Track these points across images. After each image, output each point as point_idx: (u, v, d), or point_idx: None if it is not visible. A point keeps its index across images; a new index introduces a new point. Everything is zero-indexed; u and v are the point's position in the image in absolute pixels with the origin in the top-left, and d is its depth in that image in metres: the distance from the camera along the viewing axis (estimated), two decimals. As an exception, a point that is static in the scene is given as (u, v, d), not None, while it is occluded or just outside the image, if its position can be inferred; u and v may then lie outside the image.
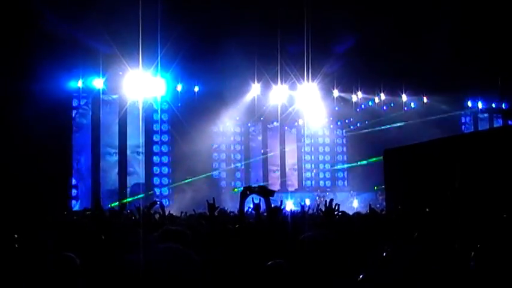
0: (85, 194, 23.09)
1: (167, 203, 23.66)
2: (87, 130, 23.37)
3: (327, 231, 4.15)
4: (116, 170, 23.72)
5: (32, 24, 17.95)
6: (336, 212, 6.98)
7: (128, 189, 23.47)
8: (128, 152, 23.99)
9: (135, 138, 24.24)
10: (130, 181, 23.99)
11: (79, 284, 3.12)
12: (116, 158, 23.90)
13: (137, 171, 24.51)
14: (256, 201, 5.32)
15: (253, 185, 5.06)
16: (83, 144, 23.40)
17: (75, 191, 22.99)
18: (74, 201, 22.60)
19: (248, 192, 4.93)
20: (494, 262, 2.84)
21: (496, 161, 11.97)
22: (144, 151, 24.54)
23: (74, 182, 22.90)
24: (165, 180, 24.96)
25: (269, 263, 3.52)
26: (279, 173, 28.85)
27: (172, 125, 24.66)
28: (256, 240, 4.67)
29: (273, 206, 5.02)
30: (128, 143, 23.85)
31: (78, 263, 3.15)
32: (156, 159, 24.94)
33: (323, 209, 6.54)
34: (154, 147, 24.90)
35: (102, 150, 23.47)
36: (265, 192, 4.86)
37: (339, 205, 8.01)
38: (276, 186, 28.13)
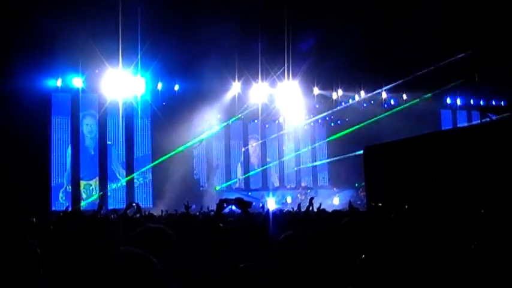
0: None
1: (150, 203, 23.60)
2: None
3: (306, 229, 4.17)
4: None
5: (9, 25, 17.77)
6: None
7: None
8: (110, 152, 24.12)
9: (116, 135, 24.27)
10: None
11: (37, 270, 3.08)
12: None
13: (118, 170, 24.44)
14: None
15: (229, 197, 5.03)
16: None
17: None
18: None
19: (225, 205, 4.91)
20: (476, 257, 2.90)
21: (475, 156, 12.12)
22: (124, 149, 24.47)
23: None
24: (147, 178, 24.87)
25: (241, 265, 3.53)
26: (260, 170, 28.89)
27: (153, 123, 24.58)
28: (238, 241, 4.68)
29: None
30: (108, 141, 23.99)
31: (37, 249, 3.12)
32: (136, 156, 24.82)
33: (304, 208, 6.58)
34: (134, 144, 24.77)
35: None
36: (242, 204, 4.84)
37: (320, 204, 8.09)
38: (256, 184, 28.23)
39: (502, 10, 17.32)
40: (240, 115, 26.78)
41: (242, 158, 28.56)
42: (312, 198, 7.83)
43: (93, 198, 22.97)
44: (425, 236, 4.53)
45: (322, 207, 8.65)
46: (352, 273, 3.19)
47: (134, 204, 7.43)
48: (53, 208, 21.75)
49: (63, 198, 22.77)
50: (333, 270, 3.68)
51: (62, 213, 9.09)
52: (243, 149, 28.48)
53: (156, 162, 24.12)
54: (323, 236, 4.69)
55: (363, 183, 21.18)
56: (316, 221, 6.54)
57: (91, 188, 23.59)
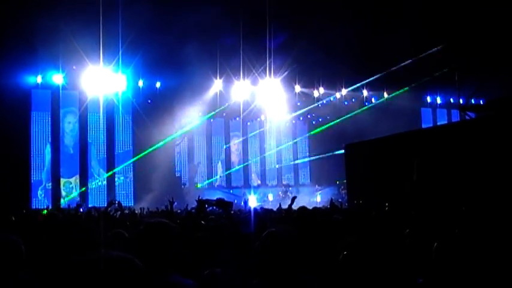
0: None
1: (131, 201, 23.45)
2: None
3: (289, 226, 4.18)
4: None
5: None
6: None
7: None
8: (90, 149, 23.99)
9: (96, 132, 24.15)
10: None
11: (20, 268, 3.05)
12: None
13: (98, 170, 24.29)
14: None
15: (210, 198, 5.01)
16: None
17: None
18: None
19: (206, 206, 4.89)
20: (452, 254, 2.92)
21: (453, 154, 12.27)
22: (105, 147, 24.31)
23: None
24: (128, 176, 24.71)
25: (206, 272, 3.52)
26: (241, 167, 28.91)
27: (134, 120, 24.43)
28: (219, 238, 4.68)
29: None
30: (89, 139, 23.86)
31: (22, 247, 3.09)
32: (118, 153, 24.66)
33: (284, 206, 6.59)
34: (115, 141, 24.61)
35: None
36: (223, 205, 4.82)
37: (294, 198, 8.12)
38: (239, 182, 28.25)
39: (482, 8, 17.49)
40: (222, 113, 26.82)
41: (224, 156, 28.56)
42: (294, 197, 7.86)
43: (73, 195, 22.85)
44: (409, 231, 4.58)
45: (304, 204, 8.68)
46: (336, 269, 3.21)
47: (116, 202, 7.42)
48: (33, 206, 21.60)
49: (42, 195, 22.61)
50: (318, 266, 3.70)
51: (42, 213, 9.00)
52: (224, 147, 28.47)
53: (137, 158, 24.02)
54: (306, 232, 4.71)
55: (344, 180, 21.29)
56: (298, 218, 6.56)
57: (71, 186, 23.41)
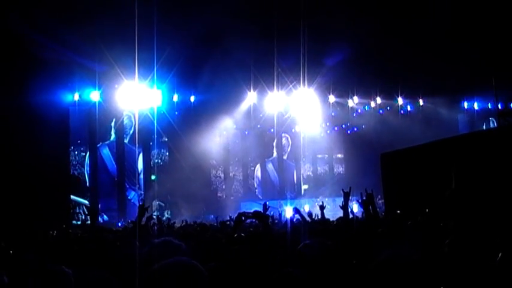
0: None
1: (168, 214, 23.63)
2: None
3: (324, 239, 4.15)
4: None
5: (28, 41, 18.04)
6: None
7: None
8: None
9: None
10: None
11: None
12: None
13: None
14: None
15: (247, 211, 5.07)
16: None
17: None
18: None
19: (243, 218, 4.96)
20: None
21: (492, 162, 11.99)
22: (143, 160, 24.66)
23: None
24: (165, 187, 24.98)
25: (281, 271, 3.51)
26: (277, 179, 28.88)
27: (169, 135, 24.68)
28: (256, 250, 4.67)
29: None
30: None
31: (72, 279, 3.12)
32: (153, 167, 24.98)
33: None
34: (151, 158, 24.94)
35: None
36: (260, 217, 4.89)
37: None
38: (274, 194, 28.20)
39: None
40: (256, 125, 26.87)
41: (259, 167, 28.55)
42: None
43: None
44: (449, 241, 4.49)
45: (340, 215, 8.61)
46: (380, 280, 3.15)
47: (154, 218, 7.44)
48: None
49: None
50: (354, 278, 3.66)
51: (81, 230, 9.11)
52: (259, 159, 28.49)
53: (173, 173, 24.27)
54: (345, 244, 4.67)
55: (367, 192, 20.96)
56: (336, 230, 6.52)
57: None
